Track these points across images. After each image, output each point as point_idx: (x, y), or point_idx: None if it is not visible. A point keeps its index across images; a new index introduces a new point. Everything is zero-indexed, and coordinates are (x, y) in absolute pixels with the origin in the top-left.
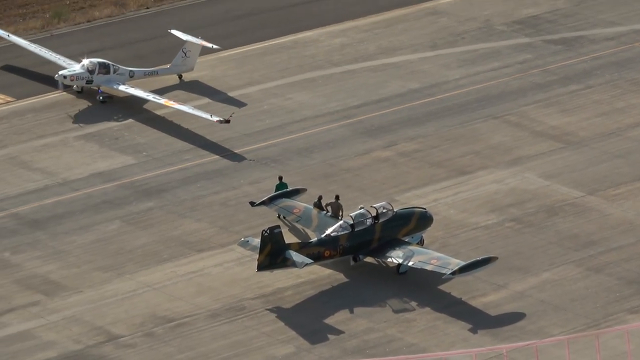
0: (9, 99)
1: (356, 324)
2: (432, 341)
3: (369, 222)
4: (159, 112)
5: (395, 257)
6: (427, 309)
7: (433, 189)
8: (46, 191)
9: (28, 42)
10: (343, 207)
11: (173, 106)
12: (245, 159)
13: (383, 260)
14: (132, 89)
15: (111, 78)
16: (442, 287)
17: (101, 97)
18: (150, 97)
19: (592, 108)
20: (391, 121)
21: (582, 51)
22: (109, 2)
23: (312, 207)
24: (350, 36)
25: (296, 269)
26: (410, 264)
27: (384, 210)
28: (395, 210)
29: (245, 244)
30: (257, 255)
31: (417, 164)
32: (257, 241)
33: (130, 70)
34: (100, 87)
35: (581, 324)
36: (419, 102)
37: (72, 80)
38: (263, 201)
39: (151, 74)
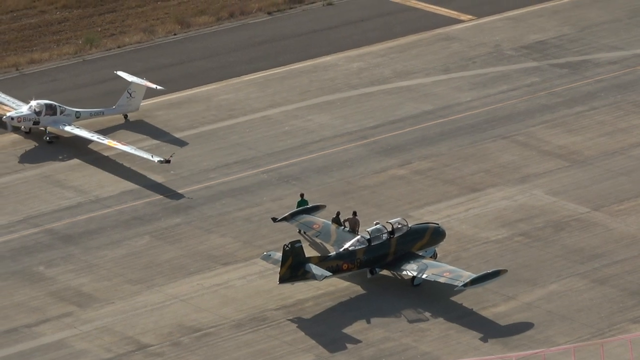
0: None
1: (373, 333)
2: (445, 350)
3: (384, 236)
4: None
5: (410, 270)
6: (441, 319)
7: (446, 205)
8: (79, 208)
9: None
10: (360, 222)
11: (116, 147)
12: (265, 176)
13: (398, 273)
14: (78, 129)
15: (58, 119)
16: (455, 298)
17: (47, 138)
18: (95, 137)
19: (597, 128)
20: (406, 141)
21: (586, 74)
22: (139, 28)
23: (330, 222)
24: (366, 61)
25: (316, 281)
26: (424, 276)
27: (399, 226)
28: (409, 225)
29: (267, 258)
30: (279, 269)
31: (430, 181)
32: (278, 255)
33: (77, 111)
34: (47, 128)
35: (586, 333)
36: (432, 122)
37: (19, 122)
38: (284, 217)
39: (97, 114)
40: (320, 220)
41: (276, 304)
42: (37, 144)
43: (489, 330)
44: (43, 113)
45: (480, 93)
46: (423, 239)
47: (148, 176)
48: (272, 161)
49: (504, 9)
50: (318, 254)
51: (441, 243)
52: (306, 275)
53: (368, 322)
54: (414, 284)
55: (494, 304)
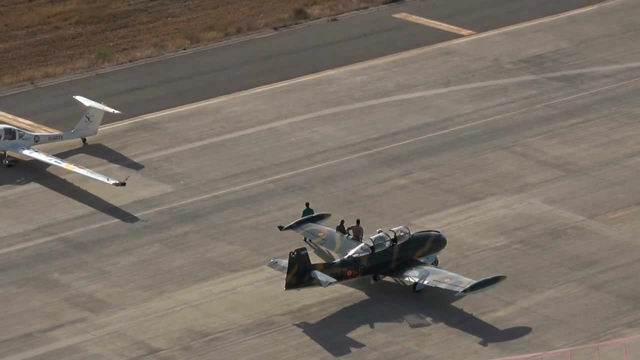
0: (58, 132)
1: (376, 337)
2: (446, 353)
3: (387, 244)
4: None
5: (412, 277)
6: (441, 323)
7: (446, 213)
8: (92, 217)
9: None
10: (364, 230)
11: (74, 170)
12: (272, 186)
13: (401, 279)
14: (36, 153)
15: (16, 143)
16: (455, 303)
17: (7, 161)
18: (52, 161)
19: (592, 139)
20: (407, 152)
21: (582, 87)
22: (150, 43)
23: (335, 230)
24: (370, 74)
25: (321, 287)
26: (425, 282)
27: (401, 234)
28: (411, 233)
29: (274, 265)
30: (285, 275)
31: (431, 191)
32: (285, 262)
33: (36, 135)
34: (7, 152)
35: (582, 337)
36: (433, 134)
37: None
38: (290, 225)
39: (56, 138)
40: (325, 228)
41: (282, 309)
42: None
43: (488, 334)
44: (2, 137)
45: (479, 105)
46: (424, 246)
47: (157, 186)
48: (278, 171)
49: (503, 24)
50: (323, 261)
51: (442, 250)
52: (312, 282)
53: (371, 326)
54: (415, 290)
55: (493, 309)
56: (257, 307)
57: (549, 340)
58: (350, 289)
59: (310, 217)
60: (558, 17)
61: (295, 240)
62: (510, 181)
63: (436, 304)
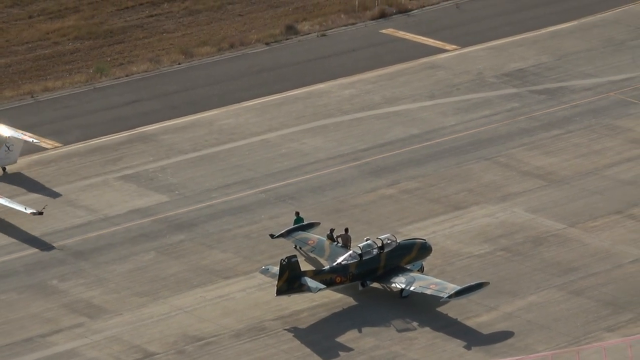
0: (56, 144)
1: (364, 342)
2: (432, 357)
3: (375, 252)
4: None
5: (399, 283)
6: (427, 328)
7: (432, 222)
8: (89, 226)
9: None
10: (352, 238)
11: None
12: (263, 195)
13: (388, 285)
14: None
15: None
16: (440, 309)
17: None
18: None
19: (572, 150)
20: (394, 162)
21: (563, 100)
22: (145, 58)
23: (324, 238)
24: (358, 88)
25: (311, 293)
26: (411, 288)
27: (388, 241)
28: (398, 241)
29: (265, 272)
30: (277, 282)
31: (417, 200)
32: (276, 269)
33: None
34: None
35: (563, 341)
36: (419, 145)
37: None
38: (282, 234)
39: None
40: (315, 236)
41: (274, 314)
42: None
43: (473, 338)
44: None
45: (463, 118)
46: (411, 253)
47: (153, 196)
48: (270, 181)
49: (487, 39)
50: (313, 268)
51: (428, 257)
52: (302, 288)
53: (359, 331)
54: (402, 296)
55: (477, 314)
56: (249, 312)
57: (531, 344)
58: (339, 295)
59: (300, 225)
60: (539, 32)
61: (286, 248)
62: (494, 191)
63: (422, 309)
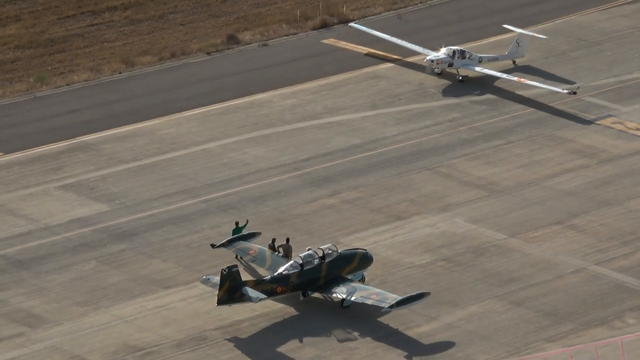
0: None
1: (305, 352)
2: None
3: (316, 261)
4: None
5: (340, 293)
6: (368, 338)
7: (373, 232)
8: (30, 235)
9: None
10: (293, 248)
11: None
12: (204, 205)
13: (329, 295)
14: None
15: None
16: (381, 319)
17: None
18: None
19: (513, 161)
20: (336, 172)
21: (504, 110)
22: (86, 67)
23: (266, 248)
24: (299, 98)
25: (252, 303)
26: (352, 298)
27: (329, 251)
28: (339, 251)
29: (206, 282)
30: (217, 291)
31: (359, 210)
32: (217, 279)
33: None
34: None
35: (504, 351)
36: (360, 155)
37: None
38: (222, 243)
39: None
40: (256, 246)
41: (214, 324)
42: None
43: (414, 348)
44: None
45: (405, 128)
46: (352, 263)
47: (94, 205)
48: (211, 191)
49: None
50: (254, 278)
51: (369, 267)
52: (243, 298)
53: (300, 341)
54: (343, 306)
55: (417, 324)
56: (189, 322)
57: (472, 354)
58: (280, 305)
59: (241, 235)
60: (481, 42)
61: (227, 258)
62: (435, 201)
63: (363, 320)
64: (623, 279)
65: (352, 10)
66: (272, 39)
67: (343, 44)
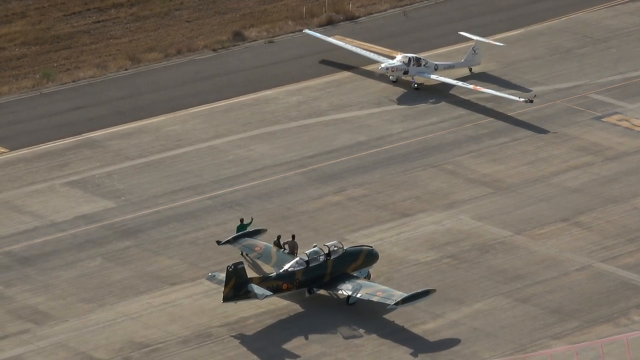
0: (2, 149)
1: (311, 348)
2: None
3: (322, 258)
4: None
5: (345, 290)
6: (374, 335)
7: (379, 229)
8: (35, 232)
9: None
10: (299, 245)
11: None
12: (210, 202)
13: (334, 292)
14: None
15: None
16: (387, 316)
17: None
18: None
19: (519, 158)
20: (341, 169)
21: (510, 108)
22: (92, 64)
23: (271, 245)
24: (305, 94)
25: (257, 300)
26: (358, 295)
27: (335, 248)
28: (345, 248)
29: (212, 278)
30: (223, 288)
31: (364, 207)
32: (222, 276)
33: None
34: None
35: (510, 348)
36: (366, 152)
37: None
38: (228, 240)
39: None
40: (262, 243)
41: (220, 321)
42: None
43: (419, 345)
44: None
45: (410, 125)
46: (357, 260)
47: (100, 202)
48: (216, 188)
49: (433, 47)
50: (259, 275)
51: (374, 264)
52: (248, 295)
53: (306, 338)
54: (349, 303)
55: (423, 322)
56: (195, 319)
57: (477, 351)
58: (286, 302)
59: (247, 232)
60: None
61: (232, 255)
62: (441, 198)
63: (369, 317)
64: (629, 276)
65: (358, 7)
66: (278, 35)
67: (349, 40)
